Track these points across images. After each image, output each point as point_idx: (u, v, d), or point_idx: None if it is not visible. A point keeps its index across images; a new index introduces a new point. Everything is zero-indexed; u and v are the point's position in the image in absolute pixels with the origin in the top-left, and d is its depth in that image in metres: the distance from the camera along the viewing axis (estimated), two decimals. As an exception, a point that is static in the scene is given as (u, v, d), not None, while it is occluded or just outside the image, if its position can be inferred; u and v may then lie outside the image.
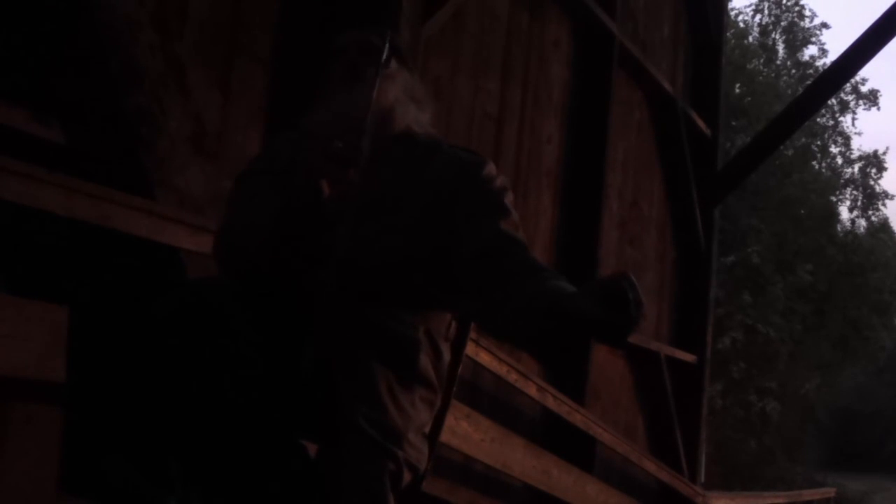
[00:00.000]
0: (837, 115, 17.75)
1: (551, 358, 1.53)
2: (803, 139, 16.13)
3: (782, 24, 17.42)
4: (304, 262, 1.60)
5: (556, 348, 1.48)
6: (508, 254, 1.56)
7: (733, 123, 14.01)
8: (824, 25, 18.34)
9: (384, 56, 1.64)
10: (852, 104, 17.84)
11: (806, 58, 17.45)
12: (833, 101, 16.43)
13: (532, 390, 4.15)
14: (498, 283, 1.52)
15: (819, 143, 17.31)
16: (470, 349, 3.11)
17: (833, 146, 18.00)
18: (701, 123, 6.84)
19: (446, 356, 1.69)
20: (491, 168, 1.68)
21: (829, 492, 13.11)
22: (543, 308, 1.40)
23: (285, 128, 1.81)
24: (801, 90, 12.83)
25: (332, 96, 1.67)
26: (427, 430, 1.66)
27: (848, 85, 16.52)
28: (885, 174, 18.41)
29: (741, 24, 17.21)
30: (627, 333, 1.33)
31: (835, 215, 16.81)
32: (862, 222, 18.49)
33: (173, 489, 1.39)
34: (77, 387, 1.41)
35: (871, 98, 17.94)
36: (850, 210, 18.47)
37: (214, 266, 1.71)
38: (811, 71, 16.77)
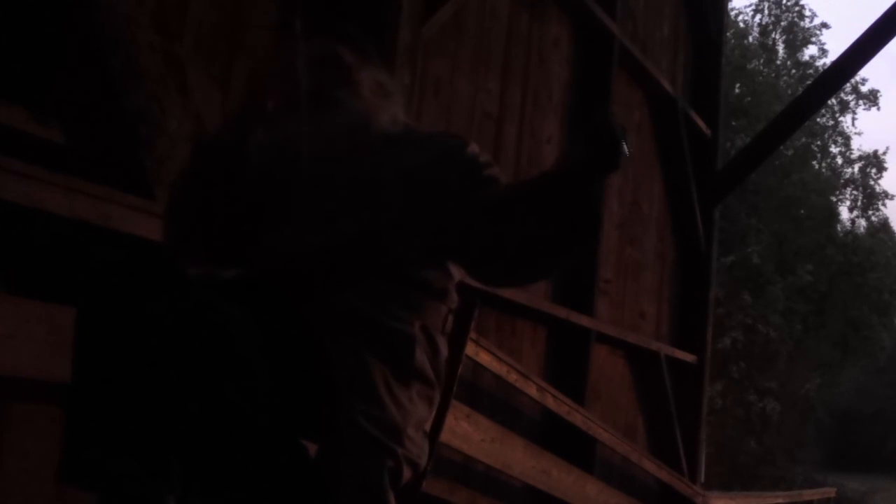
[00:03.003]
0: (837, 115, 17.76)
1: (569, 231, 1.50)
2: (803, 139, 16.13)
3: (782, 24, 17.42)
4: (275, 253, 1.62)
5: (568, 213, 1.48)
6: (503, 206, 1.57)
7: (733, 123, 14.02)
8: (824, 25, 18.36)
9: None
10: (852, 104, 17.85)
11: (806, 58, 17.46)
12: (833, 101, 16.43)
13: (532, 390, 4.15)
14: (501, 227, 1.54)
15: (819, 143, 17.31)
16: (470, 349, 3.11)
17: (833, 146, 18.01)
18: (701, 123, 6.84)
19: (443, 351, 1.68)
20: (473, 147, 1.68)
21: (829, 492, 13.11)
22: (540, 186, 1.47)
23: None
24: (801, 90, 12.83)
25: (301, 118, 1.67)
26: (426, 426, 1.66)
27: (848, 85, 16.53)
28: (885, 174, 18.43)
29: (741, 24, 17.22)
30: (619, 154, 1.39)
31: (835, 215, 16.81)
32: (862, 222, 18.51)
33: (173, 487, 1.39)
34: (80, 383, 1.40)
35: (871, 98, 17.95)
36: (850, 210, 18.49)
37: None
38: (811, 71, 16.77)
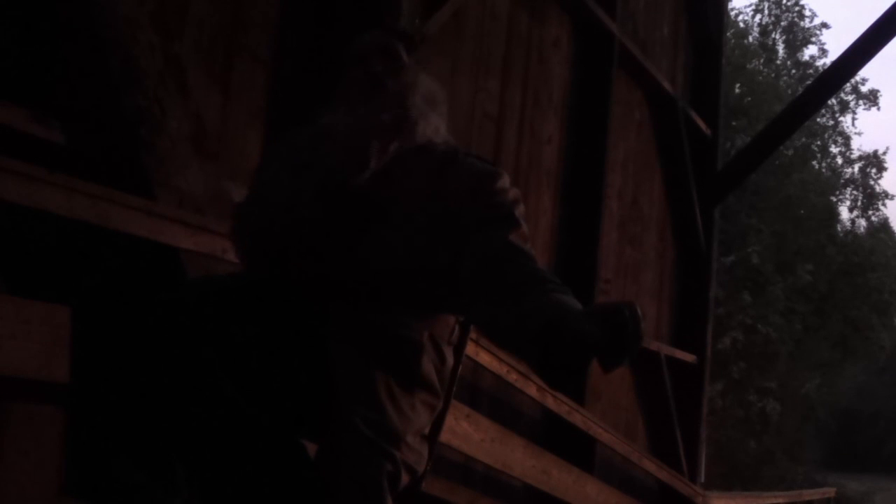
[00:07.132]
0: (837, 115, 17.75)
1: (548, 372, 1.46)
2: (803, 139, 16.12)
3: (782, 24, 17.41)
4: (321, 259, 1.61)
5: (553, 363, 1.46)
6: (515, 263, 1.55)
7: (733, 123, 14.01)
8: (824, 25, 18.33)
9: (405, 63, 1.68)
10: (852, 104, 17.84)
11: (806, 58, 17.46)
12: (833, 101, 16.43)
13: (532, 390, 4.15)
14: (502, 292, 1.51)
15: (819, 143, 17.31)
16: (470, 349, 3.11)
17: (833, 146, 18.01)
18: (701, 123, 6.84)
19: (450, 360, 1.69)
20: (505, 180, 1.67)
21: (829, 492, 13.11)
22: (544, 321, 1.39)
23: (292, 124, 1.81)
24: (801, 90, 12.82)
25: (353, 101, 1.68)
26: (426, 432, 1.66)
27: (848, 85, 16.53)
28: (885, 174, 18.42)
29: (741, 24, 17.21)
30: (619, 361, 1.33)
31: (835, 215, 16.80)
32: (862, 222, 18.50)
33: (178, 491, 1.39)
34: (81, 388, 1.40)
35: (871, 98, 17.95)
36: (850, 210, 18.48)
37: (229, 255, 1.72)
38: (811, 71, 16.77)
